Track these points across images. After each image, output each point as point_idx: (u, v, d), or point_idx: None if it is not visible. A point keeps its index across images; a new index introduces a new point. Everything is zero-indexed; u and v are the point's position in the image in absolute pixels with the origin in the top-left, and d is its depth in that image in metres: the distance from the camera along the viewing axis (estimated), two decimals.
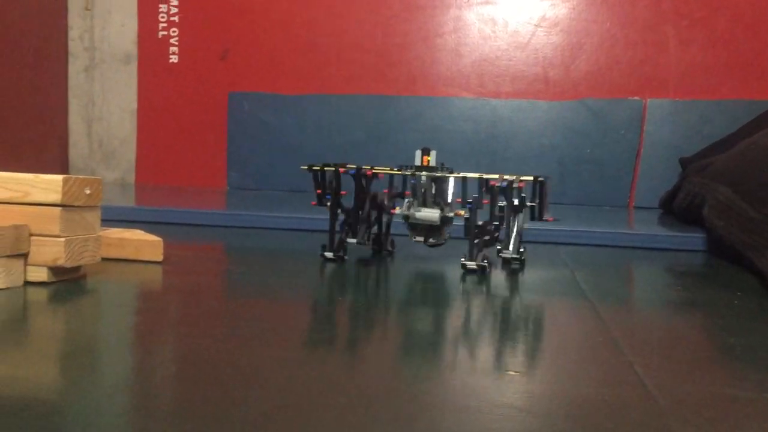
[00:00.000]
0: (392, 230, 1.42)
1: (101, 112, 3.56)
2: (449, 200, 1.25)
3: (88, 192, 1.01)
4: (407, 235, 1.31)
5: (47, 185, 0.97)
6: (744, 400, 0.61)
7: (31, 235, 0.97)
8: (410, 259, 1.38)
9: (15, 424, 0.49)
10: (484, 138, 3.17)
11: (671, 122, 3.03)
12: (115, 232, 1.24)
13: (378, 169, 1.30)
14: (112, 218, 1.65)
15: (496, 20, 3.19)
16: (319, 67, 3.32)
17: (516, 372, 0.66)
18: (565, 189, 3.07)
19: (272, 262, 1.29)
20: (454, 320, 0.88)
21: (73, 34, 3.54)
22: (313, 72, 3.33)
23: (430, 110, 3.22)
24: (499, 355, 0.73)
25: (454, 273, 1.22)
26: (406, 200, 1.25)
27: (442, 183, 1.24)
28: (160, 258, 1.22)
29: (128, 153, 3.55)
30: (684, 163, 2.66)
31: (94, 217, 1.04)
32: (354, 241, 1.31)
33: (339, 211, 1.30)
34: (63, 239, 0.97)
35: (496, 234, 1.31)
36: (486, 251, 1.25)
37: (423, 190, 1.22)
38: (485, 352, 0.74)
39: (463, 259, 1.22)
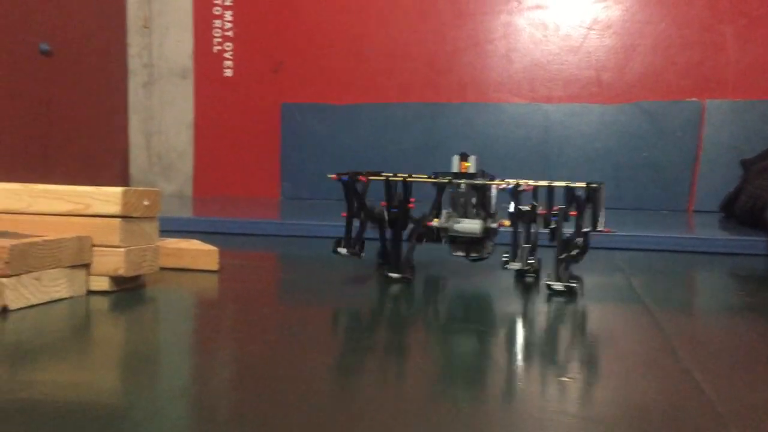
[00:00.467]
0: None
1: (159, 126, 3.66)
2: (492, 210, 1.15)
3: (146, 203, 1.04)
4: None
5: (107, 197, 1.00)
6: None
7: (93, 246, 1.01)
8: (464, 269, 1.37)
9: (78, 428, 0.51)
10: (536, 143, 3.14)
11: (731, 123, 2.94)
12: (173, 242, 1.27)
13: (412, 178, 1.17)
14: (171, 229, 1.69)
15: (547, 24, 3.16)
16: (370, 76, 3.35)
17: (571, 378, 0.65)
18: (621, 194, 3.01)
19: (324, 270, 1.30)
20: (508, 325, 0.88)
21: (132, 51, 3.65)
22: (364, 82, 3.35)
23: (481, 117, 3.21)
24: (554, 362, 0.72)
25: (506, 278, 1.21)
26: (445, 211, 1.14)
27: (484, 191, 1.13)
28: (215, 267, 1.24)
29: (185, 165, 3.63)
30: (746, 164, 2.58)
31: (152, 228, 1.06)
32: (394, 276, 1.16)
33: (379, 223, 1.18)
34: (123, 249, 1.00)
35: (581, 247, 1.14)
36: (571, 269, 1.12)
37: (462, 199, 1.12)
38: (540, 358, 0.73)
39: (547, 280, 1.09)
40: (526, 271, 1.19)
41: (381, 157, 3.23)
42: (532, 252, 1.14)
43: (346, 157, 3.28)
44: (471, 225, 1.11)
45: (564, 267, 1.08)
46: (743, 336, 0.86)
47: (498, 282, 1.21)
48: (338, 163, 3.24)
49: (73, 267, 0.98)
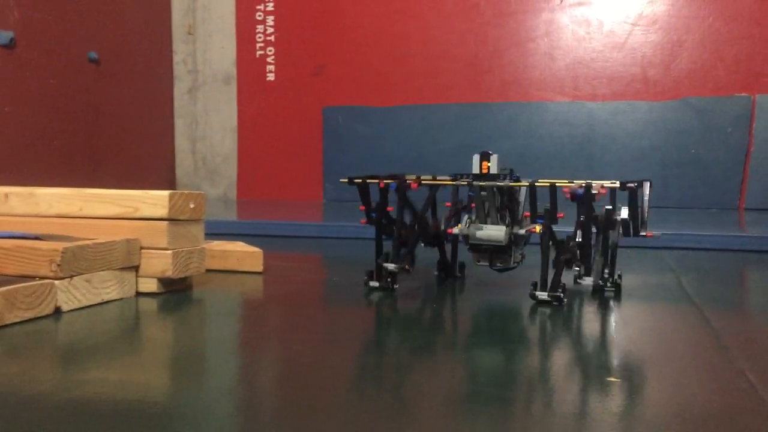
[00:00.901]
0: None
1: (204, 131, 3.72)
2: (520, 214, 1.03)
3: (192, 206, 1.06)
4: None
5: (155, 200, 1.02)
6: None
7: (142, 248, 1.03)
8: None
9: (128, 425, 0.52)
10: (580, 142, 3.10)
11: None
12: (218, 245, 1.29)
13: (427, 181, 1.09)
14: (216, 232, 1.71)
15: (590, 21, 3.12)
16: (411, 78, 3.34)
17: (619, 379, 0.64)
18: (669, 192, 2.95)
19: (357, 272, 1.30)
20: (556, 323, 0.86)
21: (177, 58, 3.72)
22: (405, 83, 3.35)
23: (524, 116, 3.18)
24: (603, 362, 0.71)
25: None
26: (466, 216, 1.04)
27: (511, 194, 1.02)
28: (260, 268, 1.26)
29: (230, 169, 3.68)
30: None
31: (198, 230, 1.08)
32: (392, 266, 1.07)
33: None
34: (170, 252, 1.02)
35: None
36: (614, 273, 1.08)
37: (484, 203, 1.01)
38: (588, 358, 0.72)
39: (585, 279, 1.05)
40: (603, 286, 1.08)
41: (423, 159, 3.23)
42: (608, 264, 1.08)
43: (387, 158, 3.29)
44: (494, 232, 1.00)
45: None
46: None
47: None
48: (380, 164, 3.25)
49: (123, 269, 1.00)
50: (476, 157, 1.04)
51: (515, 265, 1.05)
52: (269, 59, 3.56)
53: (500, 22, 3.22)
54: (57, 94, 2.89)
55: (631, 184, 1.00)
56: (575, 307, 0.98)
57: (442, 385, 0.62)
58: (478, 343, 0.78)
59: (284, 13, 3.51)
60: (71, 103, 2.97)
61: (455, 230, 1.02)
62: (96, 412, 0.54)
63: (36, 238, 0.96)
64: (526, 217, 1.03)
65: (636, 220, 1.04)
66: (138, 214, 1.03)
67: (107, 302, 0.97)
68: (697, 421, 0.53)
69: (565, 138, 3.12)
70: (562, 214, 0.98)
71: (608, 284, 1.08)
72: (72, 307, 0.92)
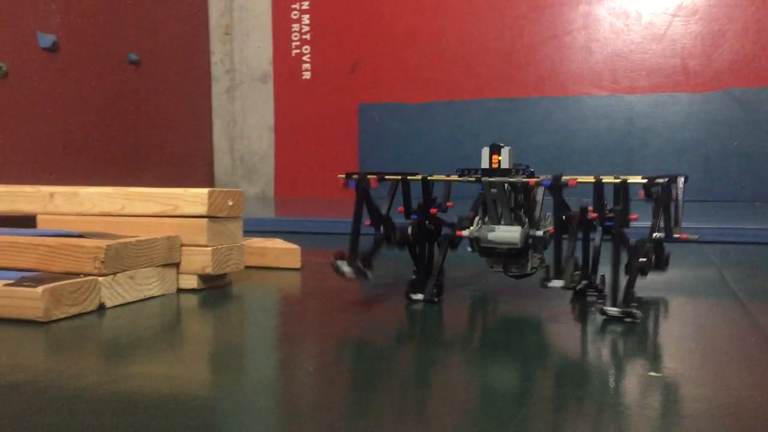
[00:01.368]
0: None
1: (242, 130, 3.76)
2: (537, 214, 0.93)
3: (230, 203, 1.07)
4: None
5: (195, 198, 1.04)
6: None
7: (182, 245, 1.04)
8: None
9: (170, 418, 0.53)
10: (619, 136, 3.06)
11: None
12: (257, 242, 1.31)
13: (432, 178, 1.00)
14: (254, 229, 1.73)
15: (628, 13, 3.07)
16: (446, 74, 3.33)
17: (660, 374, 0.63)
18: (712, 185, 2.89)
19: (404, 268, 1.30)
20: (597, 320, 0.86)
21: (215, 58, 3.76)
22: (441, 79, 3.34)
23: (561, 110, 3.14)
24: (647, 357, 0.70)
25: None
26: (477, 218, 0.94)
27: (527, 192, 0.92)
28: (298, 265, 1.27)
29: (267, 167, 3.72)
30: None
31: (236, 228, 1.10)
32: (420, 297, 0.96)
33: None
34: (210, 248, 1.03)
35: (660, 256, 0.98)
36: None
37: (495, 202, 0.91)
38: (632, 352, 0.72)
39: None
40: (573, 288, 0.91)
41: (458, 155, 3.22)
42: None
43: (423, 155, 3.28)
44: (508, 234, 0.90)
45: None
46: None
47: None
48: (416, 161, 3.25)
49: (164, 266, 1.02)
50: (485, 151, 0.94)
51: (533, 271, 0.96)
52: (305, 57, 3.58)
53: (536, 16, 3.19)
54: (98, 95, 2.95)
55: (656, 180, 0.87)
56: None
57: (491, 382, 0.62)
58: (535, 342, 0.78)
59: (319, 12, 3.53)
60: (112, 105, 3.03)
61: (465, 233, 0.93)
62: (139, 405, 0.55)
63: (80, 236, 0.99)
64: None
65: (668, 221, 0.93)
66: (178, 212, 1.05)
67: (149, 298, 0.99)
68: (741, 416, 0.53)
69: (604, 132, 3.08)
70: (635, 216, 0.88)
71: (579, 287, 0.93)
72: (115, 303, 0.94)
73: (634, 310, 0.83)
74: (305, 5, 3.55)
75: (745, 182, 2.87)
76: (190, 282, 1.05)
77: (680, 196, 0.94)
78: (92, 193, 1.11)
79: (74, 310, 0.87)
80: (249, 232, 1.32)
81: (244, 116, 3.75)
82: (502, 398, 0.57)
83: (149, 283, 0.99)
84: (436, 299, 0.96)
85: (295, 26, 3.58)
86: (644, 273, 0.93)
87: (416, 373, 0.65)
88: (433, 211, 1.00)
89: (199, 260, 1.04)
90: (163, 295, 1.02)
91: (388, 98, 3.41)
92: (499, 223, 0.91)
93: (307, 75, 3.58)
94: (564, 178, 0.86)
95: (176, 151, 3.48)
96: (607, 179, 0.88)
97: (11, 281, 0.86)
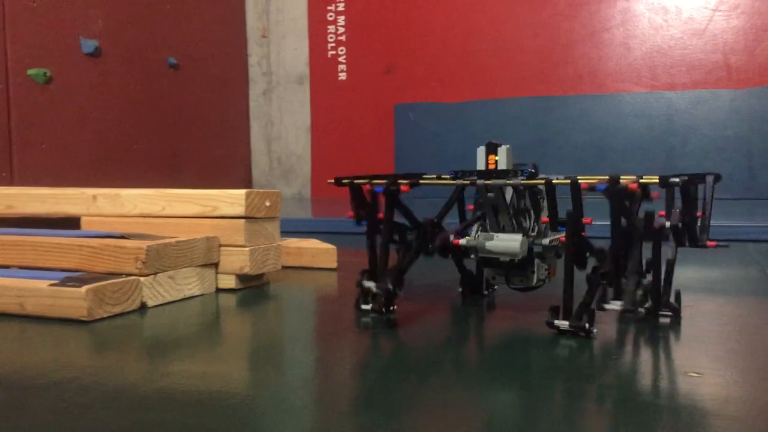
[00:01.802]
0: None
1: (279, 132, 3.79)
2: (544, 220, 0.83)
3: (267, 204, 1.08)
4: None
5: (233, 199, 1.05)
6: None
7: (220, 245, 1.06)
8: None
9: (210, 415, 0.54)
10: (658, 134, 3.01)
11: None
12: (293, 242, 1.32)
13: (425, 180, 0.91)
14: (291, 230, 1.75)
15: (667, 8, 3.02)
16: (481, 73, 3.32)
17: (699, 374, 0.62)
18: (755, 183, 2.83)
19: (441, 268, 1.30)
20: (638, 319, 0.85)
21: (252, 60, 3.81)
22: (476, 78, 3.33)
23: (599, 108, 3.11)
24: (689, 357, 0.69)
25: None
26: (476, 225, 0.86)
27: (534, 195, 0.83)
28: (334, 265, 1.28)
29: (304, 168, 3.75)
30: None
31: (274, 228, 1.11)
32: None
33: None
34: (248, 249, 1.05)
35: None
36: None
37: (494, 207, 0.82)
38: (673, 353, 0.71)
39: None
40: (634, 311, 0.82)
41: None
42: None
43: (459, 154, 3.27)
44: (508, 242, 0.81)
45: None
46: None
47: None
48: (451, 160, 3.24)
49: (203, 266, 1.04)
50: (481, 150, 0.85)
51: (540, 283, 0.87)
52: (341, 59, 3.60)
53: (573, 13, 3.16)
54: (139, 99, 3.01)
55: (674, 179, 0.76)
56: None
57: (517, 381, 0.62)
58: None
59: (355, 13, 3.55)
60: (153, 108, 3.09)
61: (462, 241, 0.84)
62: (180, 402, 0.57)
63: (122, 236, 1.01)
64: (543, 222, 0.84)
65: (692, 226, 0.81)
66: (217, 213, 1.06)
67: (189, 298, 1.01)
68: None
69: (643, 130, 3.03)
70: (589, 220, 0.76)
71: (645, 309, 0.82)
72: (156, 303, 0.96)
73: (587, 324, 0.75)
74: (341, 6, 3.56)
75: None
76: (229, 282, 1.07)
77: (709, 197, 0.82)
78: (133, 195, 1.13)
79: (117, 310, 0.89)
80: (286, 233, 1.34)
81: (281, 118, 3.78)
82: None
83: (189, 283, 1.01)
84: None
85: (331, 27, 3.60)
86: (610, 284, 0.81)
87: (454, 374, 0.65)
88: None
89: (237, 260, 1.05)
90: (202, 294, 1.03)
91: (423, 98, 3.41)
92: (499, 231, 0.83)
93: (342, 76, 3.60)
94: (623, 179, 0.75)
95: (215, 153, 3.52)
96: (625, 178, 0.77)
97: (56, 281, 0.89)
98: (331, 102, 3.63)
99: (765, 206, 2.38)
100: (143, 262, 0.93)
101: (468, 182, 0.83)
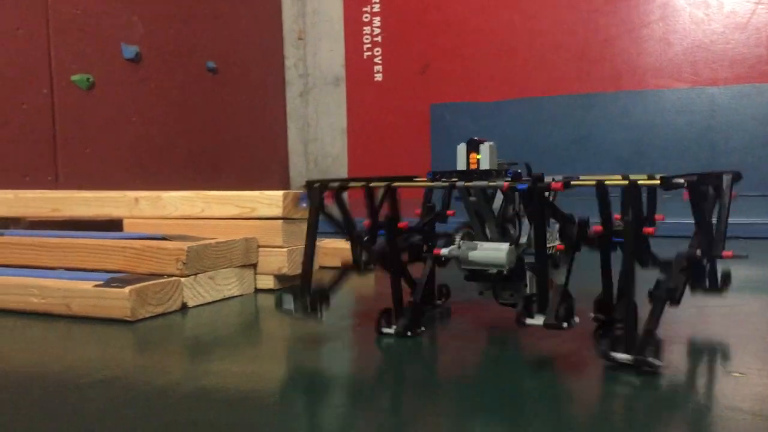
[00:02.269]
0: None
1: (315, 133, 3.82)
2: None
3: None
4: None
5: (270, 200, 1.06)
6: None
7: (259, 246, 1.07)
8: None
9: (248, 413, 0.55)
10: (700, 130, 2.95)
11: None
12: (330, 242, 1.33)
13: (399, 184, 0.86)
14: (327, 230, 1.75)
15: (709, 2, 2.96)
16: (518, 71, 3.29)
17: (741, 374, 0.61)
18: None
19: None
20: (672, 320, 0.83)
21: (289, 62, 3.84)
22: (513, 77, 3.30)
23: (639, 105, 3.06)
24: (725, 357, 0.68)
25: None
26: (459, 233, 0.78)
27: (524, 199, 0.70)
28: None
29: (340, 169, 3.76)
30: None
31: None
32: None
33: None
34: (286, 249, 1.06)
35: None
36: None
37: (477, 213, 0.75)
38: (707, 353, 0.70)
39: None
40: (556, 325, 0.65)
41: (532, 153, 3.16)
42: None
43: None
44: (491, 253, 0.71)
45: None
46: None
47: None
48: None
49: (242, 267, 1.05)
50: (461, 148, 0.77)
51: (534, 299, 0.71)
52: (376, 60, 3.60)
53: (611, 9, 3.12)
54: (179, 103, 3.06)
55: (678, 179, 0.63)
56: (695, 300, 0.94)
57: (549, 377, 0.62)
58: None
59: (390, 14, 3.55)
60: (192, 112, 3.14)
61: (444, 251, 0.76)
62: (220, 400, 0.58)
63: (163, 238, 1.03)
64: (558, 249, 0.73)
65: (707, 235, 0.69)
66: (255, 214, 1.08)
67: (228, 298, 1.02)
68: None
69: (685, 126, 2.98)
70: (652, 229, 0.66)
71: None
72: (197, 303, 0.97)
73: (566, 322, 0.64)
74: (376, 8, 3.57)
75: None
76: (267, 282, 1.08)
77: (726, 200, 0.70)
78: (174, 197, 1.15)
79: (159, 310, 0.91)
80: (323, 233, 1.34)
81: (317, 119, 3.81)
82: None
83: (228, 284, 1.03)
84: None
85: (367, 29, 3.61)
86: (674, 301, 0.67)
87: (488, 368, 0.65)
88: (401, 225, 0.82)
89: (275, 261, 1.07)
90: (241, 295, 1.05)
91: (459, 98, 3.40)
92: (485, 239, 0.75)
93: (378, 77, 3.61)
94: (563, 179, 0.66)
95: (253, 155, 3.56)
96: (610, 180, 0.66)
97: (101, 282, 0.91)
98: (367, 103, 3.64)
99: None
100: (184, 263, 0.95)
101: (444, 184, 0.75)
